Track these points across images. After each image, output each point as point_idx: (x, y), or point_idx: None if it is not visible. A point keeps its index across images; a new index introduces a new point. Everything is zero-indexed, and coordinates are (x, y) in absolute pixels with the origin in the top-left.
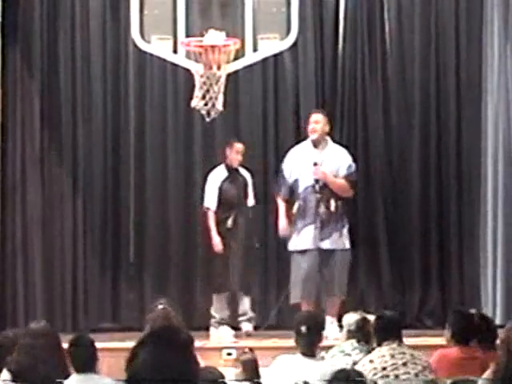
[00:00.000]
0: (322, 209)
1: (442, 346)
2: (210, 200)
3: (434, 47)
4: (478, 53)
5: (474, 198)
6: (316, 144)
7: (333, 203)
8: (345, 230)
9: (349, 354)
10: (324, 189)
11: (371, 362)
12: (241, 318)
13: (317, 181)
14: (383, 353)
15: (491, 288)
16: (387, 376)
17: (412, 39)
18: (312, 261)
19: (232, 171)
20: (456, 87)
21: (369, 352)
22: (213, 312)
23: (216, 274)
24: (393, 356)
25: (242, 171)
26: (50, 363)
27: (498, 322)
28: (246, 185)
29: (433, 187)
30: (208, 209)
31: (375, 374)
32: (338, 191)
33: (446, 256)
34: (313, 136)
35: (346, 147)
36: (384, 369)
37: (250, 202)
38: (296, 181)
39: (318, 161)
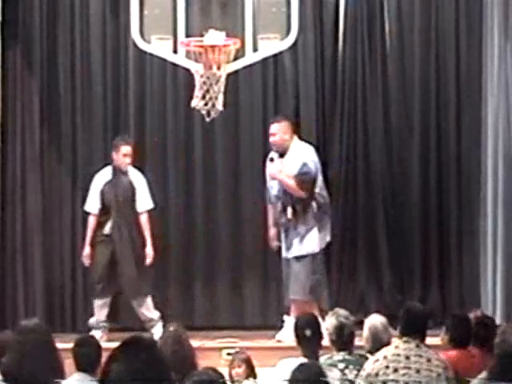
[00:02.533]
0: (283, 219)
1: (441, 347)
2: (91, 204)
3: (434, 47)
4: (478, 53)
5: (474, 198)
6: (279, 152)
7: (289, 210)
8: (310, 234)
9: (345, 374)
10: (282, 196)
11: (385, 358)
12: (147, 325)
13: (275, 190)
14: (399, 351)
15: (491, 288)
16: (397, 381)
17: (412, 39)
18: (284, 269)
19: (117, 174)
20: (456, 88)
21: (361, 365)
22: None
23: (94, 280)
24: (408, 358)
25: (133, 174)
26: (39, 360)
27: (498, 322)
28: (133, 188)
29: (433, 187)
30: (88, 213)
31: (386, 374)
32: (289, 191)
33: (446, 256)
34: (273, 149)
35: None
36: (396, 371)
37: (142, 206)
38: (268, 190)
39: (275, 158)
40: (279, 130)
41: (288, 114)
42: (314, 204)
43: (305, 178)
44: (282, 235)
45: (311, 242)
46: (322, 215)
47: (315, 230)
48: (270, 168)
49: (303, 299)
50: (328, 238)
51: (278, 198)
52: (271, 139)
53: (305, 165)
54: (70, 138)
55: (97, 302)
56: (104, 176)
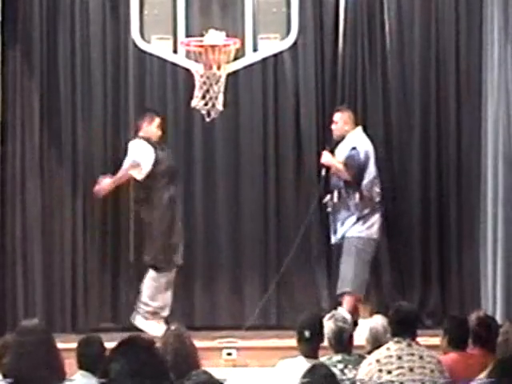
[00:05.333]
0: (330, 202)
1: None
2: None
3: (434, 47)
4: (478, 53)
5: (474, 198)
6: (339, 142)
7: (335, 194)
8: (348, 221)
9: (344, 374)
10: (332, 179)
11: (378, 361)
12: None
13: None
14: (391, 352)
15: (491, 288)
16: (392, 382)
17: (412, 39)
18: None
19: (156, 145)
20: (456, 87)
21: (359, 365)
22: (145, 299)
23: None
24: (400, 358)
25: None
26: (39, 360)
27: (498, 322)
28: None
29: (433, 187)
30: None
31: (380, 377)
32: (337, 174)
33: (446, 256)
34: (333, 136)
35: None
36: (389, 372)
37: None
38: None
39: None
40: (341, 119)
41: (288, 114)
42: (357, 194)
43: (349, 161)
44: (330, 219)
45: (350, 227)
46: (364, 207)
47: (354, 217)
48: (324, 155)
49: (350, 292)
50: (373, 234)
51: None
52: (332, 126)
53: (354, 149)
54: (70, 138)
55: (161, 279)
56: (145, 146)
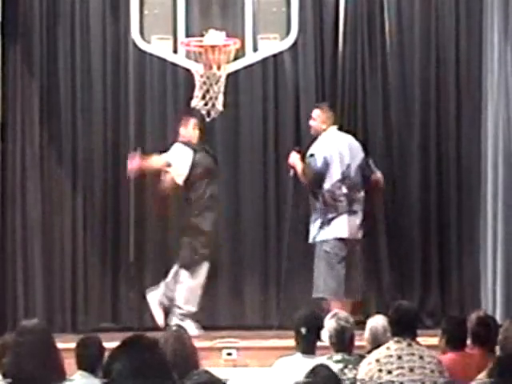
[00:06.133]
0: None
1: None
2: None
3: (434, 47)
4: (478, 53)
5: (474, 198)
6: (316, 138)
7: (310, 198)
8: (315, 224)
9: (344, 373)
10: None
11: (378, 361)
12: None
13: None
14: (391, 352)
15: (491, 288)
16: (392, 382)
17: (412, 39)
18: None
19: (195, 148)
20: (456, 87)
21: (359, 362)
22: (180, 303)
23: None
24: (400, 357)
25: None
26: (39, 360)
27: (498, 321)
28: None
29: (433, 187)
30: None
31: (380, 378)
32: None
33: (446, 256)
34: (311, 132)
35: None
36: (389, 372)
37: None
38: None
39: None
40: (319, 117)
41: (288, 114)
42: (320, 198)
43: (306, 169)
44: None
45: (317, 232)
46: (327, 211)
47: (319, 222)
48: (291, 155)
49: (326, 298)
50: (339, 234)
51: None
52: (310, 122)
53: (311, 156)
54: (70, 138)
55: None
56: (183, 151)
